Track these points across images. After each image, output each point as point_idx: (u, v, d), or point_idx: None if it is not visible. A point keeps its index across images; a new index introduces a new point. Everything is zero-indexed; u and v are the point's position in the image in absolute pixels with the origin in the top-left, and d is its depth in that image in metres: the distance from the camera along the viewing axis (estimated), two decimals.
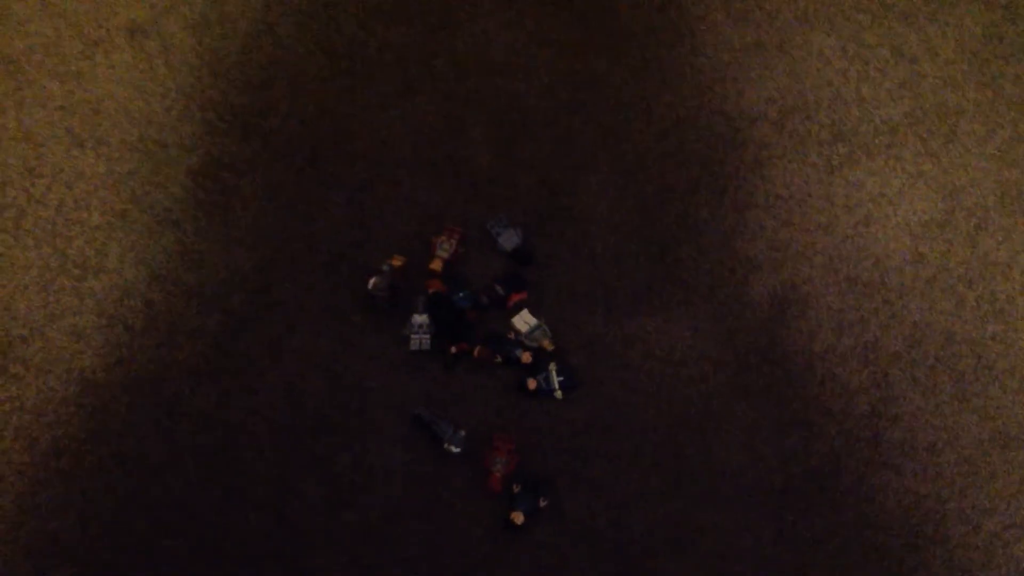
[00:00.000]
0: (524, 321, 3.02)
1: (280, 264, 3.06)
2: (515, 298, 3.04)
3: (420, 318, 2.96)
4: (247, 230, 3.08)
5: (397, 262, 3.00)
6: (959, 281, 3.14)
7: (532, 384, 2.94)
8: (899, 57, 3.30)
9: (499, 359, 2.97)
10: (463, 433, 2.88)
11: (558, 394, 2.96)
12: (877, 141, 3.23)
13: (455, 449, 2.87)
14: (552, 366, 2.97)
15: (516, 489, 2.85)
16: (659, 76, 3.26)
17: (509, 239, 3.09)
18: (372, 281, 2.96)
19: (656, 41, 3.29)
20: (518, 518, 2.80)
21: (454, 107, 3.23)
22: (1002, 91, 3.28)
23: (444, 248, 3.04)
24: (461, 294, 3.01)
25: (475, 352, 2.96)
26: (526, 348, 2.99)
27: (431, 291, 3.00)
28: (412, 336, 2.97)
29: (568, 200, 3.17)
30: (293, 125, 3.18)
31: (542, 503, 2.84)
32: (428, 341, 2.97)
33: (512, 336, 3.01)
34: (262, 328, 2.99)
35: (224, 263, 3.04)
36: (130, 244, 3.04)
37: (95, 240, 3.03)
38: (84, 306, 2.97)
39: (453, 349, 2.97)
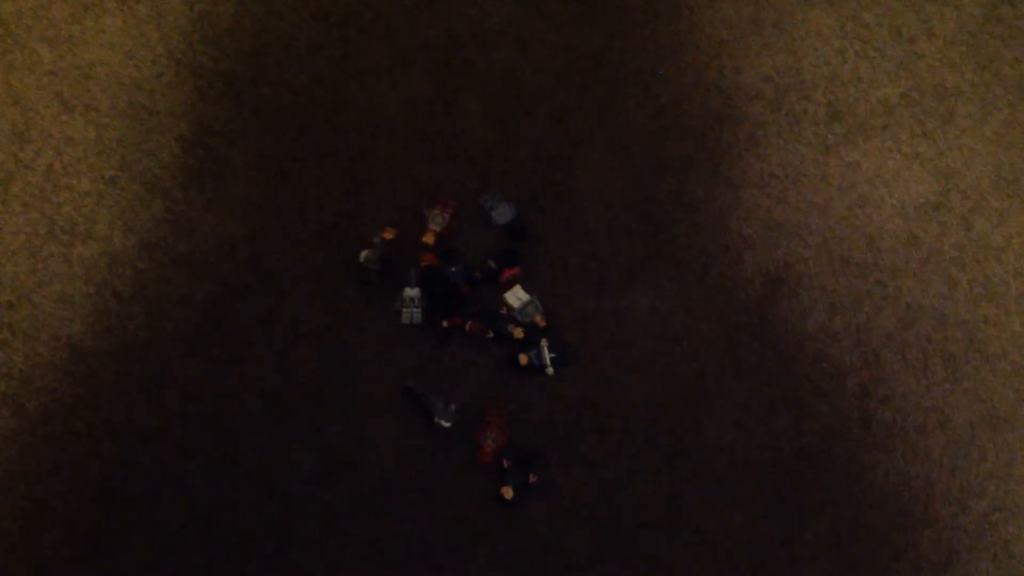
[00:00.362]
0: (517, 296, 3.01)
1: (271, 234, 3.03)
2: (508, 273, 3.03)
3: (412, 291, 2.94)
4: (238, 199, 3.05)
5: (389, 235, 2.98)
6: (952, 263, 3.13)
7: (523, 359, 2.93)
8: (897, 37, 3.28)
9: (491, 334, 2.96)
10: (454, 407, 2.87)
11: (549, 370, 2.95)
12: (873, 121, 3.22)
13: (446, 423, 2.86)
14: (544, 342, 2.96)
15: (506, 464, 2.85)
16: (656, 51, 3.23)
17: (502, 214, 3.07)
18: (364, 254, 2.94)
19: (654, 16, 3.26)
20: (508, 493, 2.80)
21: (448, 79, 3.20)
22: (1000, 73, 3.26)
23: (437, 221, 3.01)
24: (454, 268, 2.99)
25: (467, 327, 2.95)
26: (518, 323, 2.98)
27: (423, 264, 2.98)
28: (404, 309, 2.95)
29: (562, 175, 3.15)
30: (285, 94, 3.15)
31: (532, 479, 2.84)
32: (419, 315, 2.95)
33: (504, 311, 3.00)
34: (252, 298, 2.97)
35: (214, 232, 3.01)
36: (119, 211, 3.00)
37: (84, 206, 3.00)
38: (73, 272, 2.94)
39: (445, 323, 2.96)
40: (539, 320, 2.99)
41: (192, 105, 3.11)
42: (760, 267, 3.09)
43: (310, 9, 3.22)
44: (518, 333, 2.95)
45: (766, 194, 3.15)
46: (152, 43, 3.14)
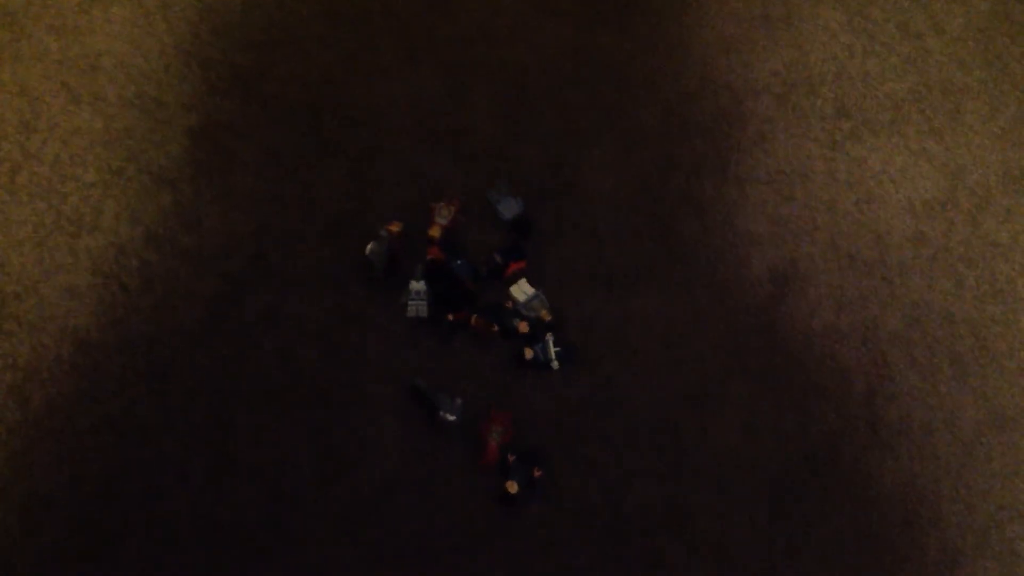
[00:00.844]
0: (522, 290, 3.00)
1: (278, 229, 3.02)
2: (513, 267, 3.02)
3: (417, 285, 2.93)
4: (245, 194, 3.04)
5: (395, 228, 2.97)
6: (960, 261, 3.12)
7: (529, 353, 2.92)
8: (905, 33, 3.27)
9: (496, 328, 2.95)
10: (460, 401, 2.85)
11: (554, 364, 2.94)
12: (881, 117, 3.21)
13: (451, 417, 2.84)
14: (549, 336, 2.95)
15: (511, 459, 2.84)
16: (664, 49, 3.22)
17: (509, 207, 3.06)
18: (369, 247, 2.93)
19: (662, 13, 3.25)
20: (512, 487, 2.79)
21: (457, 76, 3.19)
22: (1008, 70, 3.25)
23: (443, 215, 3.01)
24: (459, 262, 2.98)
25: (472, 321, 2.94)
26: (523, 318, 2.97)
27: (429, 258, 2.98)
28: (409, 303, 2.94)
29: (570, 173, 3.14)
30: (294, 89, 3.14)
31: (536, 473, 2.83)
32: (425, 308, 2.94)
33: (510, 306, 2.99)
34: (258, 293, 2.96)
35: (221, 226, 3.00)
36: (126, 202, 2.99)
37: (91, 197, 2.99)
38: (79, 264, 2.93)
39: (450, 317, 2.94)
40: (545, 314, 2.98)
41: (201, 98, 3.10)
42: (767, 265, 3.08)
43: (320, 3, 3.22)
44: (523, 327, 2.94)
45: (774, 190, 3.14)
46: (159, 34, 3.14)
